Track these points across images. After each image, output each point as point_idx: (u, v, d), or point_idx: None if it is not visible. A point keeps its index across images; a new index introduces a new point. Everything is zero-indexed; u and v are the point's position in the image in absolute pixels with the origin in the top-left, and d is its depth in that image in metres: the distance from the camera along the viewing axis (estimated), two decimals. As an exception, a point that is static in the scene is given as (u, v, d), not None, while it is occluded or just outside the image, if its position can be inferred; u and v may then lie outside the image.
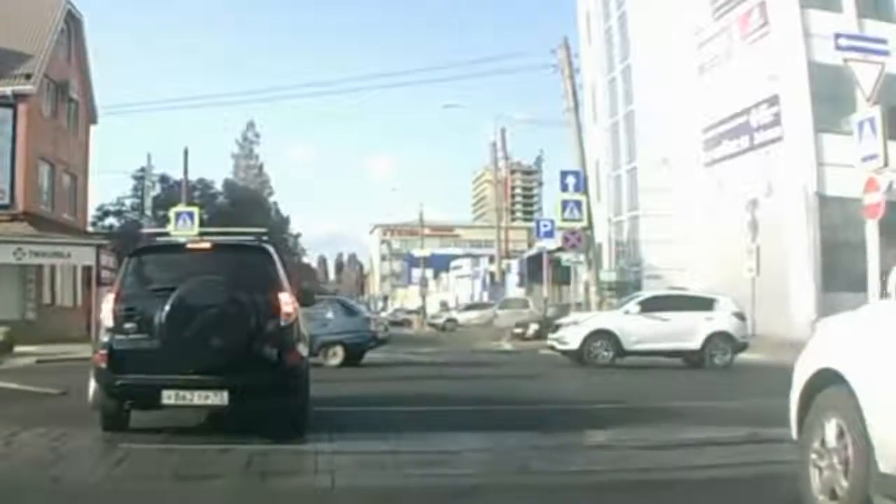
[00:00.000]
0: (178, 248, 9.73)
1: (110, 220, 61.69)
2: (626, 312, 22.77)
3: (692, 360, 22.05)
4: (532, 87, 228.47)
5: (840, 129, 33.12)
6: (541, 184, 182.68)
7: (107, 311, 8.56)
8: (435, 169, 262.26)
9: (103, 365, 8.46)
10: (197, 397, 8.32)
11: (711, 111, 38.12)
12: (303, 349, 9.00)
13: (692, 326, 22.20)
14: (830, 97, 33.09)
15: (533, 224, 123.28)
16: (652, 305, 22.75)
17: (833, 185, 32.25)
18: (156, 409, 8.76)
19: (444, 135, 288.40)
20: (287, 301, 8.68)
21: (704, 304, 22.88)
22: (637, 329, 22.21)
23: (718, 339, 22.21)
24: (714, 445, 8.90)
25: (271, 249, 9.32)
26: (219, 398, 8.30)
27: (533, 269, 57.87)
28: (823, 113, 32.93)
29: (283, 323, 8.57)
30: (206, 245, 9.46)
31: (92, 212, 51.55)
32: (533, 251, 65.48)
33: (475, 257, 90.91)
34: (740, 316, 23.00)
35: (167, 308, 8.15)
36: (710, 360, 21.87)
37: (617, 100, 45.52)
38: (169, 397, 8.28)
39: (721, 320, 22.44)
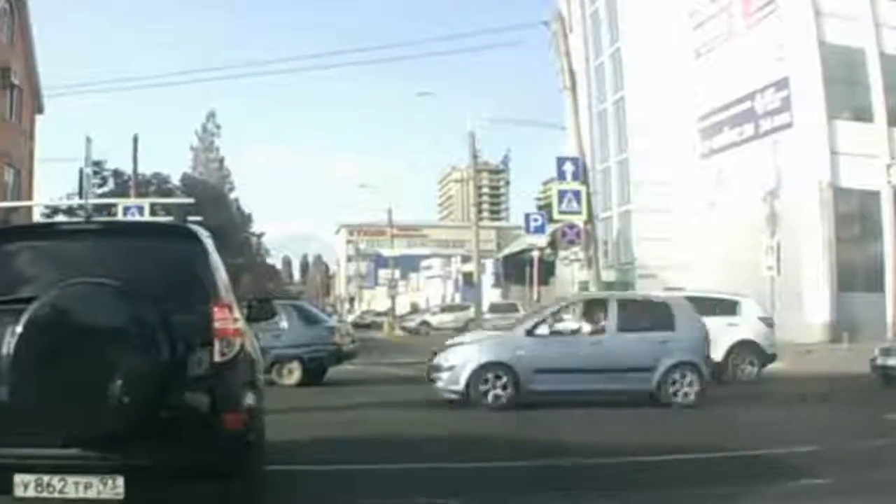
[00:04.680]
0: (48, 230, 6.38)
1: (60, 218, 58.19)
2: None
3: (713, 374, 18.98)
4: (496, 85, 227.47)
5: (854, 116, 30.95)
6: (507, 183, 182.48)
7: None
8: (400, 169, 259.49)
9: None
10: (72, 486, 5.11)
11: (710, 97, 35.70)
12: (252, 400, 5.70)
13: (713, 334, 19.00)
14: (843, 81, 30.83)
15: (502, 224, 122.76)
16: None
17: (848, 176, 30.06)
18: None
19: (410, 136, 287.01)
20: (226, 319, 5.50)
21: (727, 307, 19.78)
22: None
23: (744, 350, 19.23)
24: None
25: (202, 233, 6.00)
26: (108, 488, 5.12)
27: (509, 270, 55.22)
28: (836, 98, 30.53)
29: (219, 357, 5.41)
30: (93, 226, 6.09)
31: (39, 209, 48.62)
32: (508, 250, 62.86)
33: (446, 257, 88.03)
34: (768, 322, 19.96)
35: (19, 332, 5.04)
36: (733, 374, 18.83)
37: (605, 87, 42.83)
38: (25, 485, 5.12)
39: (747, 327, 19.43)
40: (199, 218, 7.31)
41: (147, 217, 27.75)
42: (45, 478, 5.10)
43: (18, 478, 5.11)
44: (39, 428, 5.05)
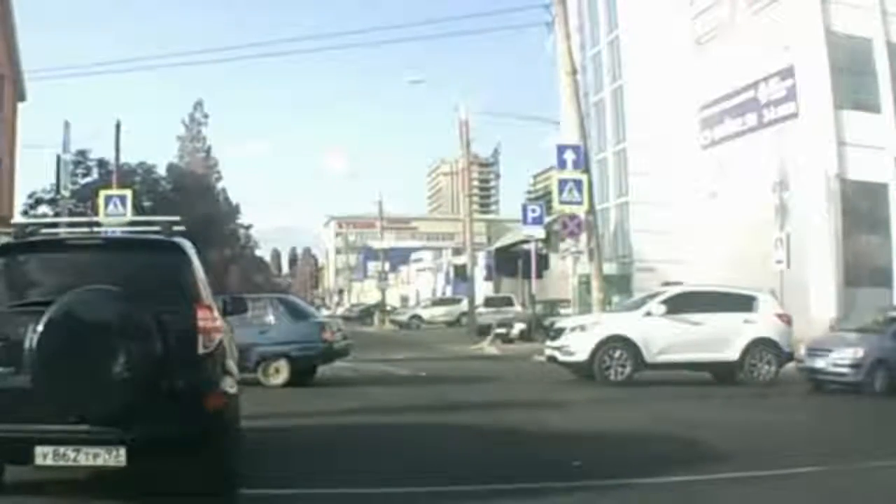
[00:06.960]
0: (57, 245, 7.33)
1: (43, 209, 56.97)
2: (648, 314, 18.52)
3: (725, 374, 18.16)
4: (487, 79, 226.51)
5: (861, 106, 30.14)
6: (498, 176, 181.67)
7: None
8: (389, 162, 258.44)
9: None
10: (83, 456, 6.25)
11: (711, 86, 34.82)
12: (229, 385, 6.86)
13: (729, 331, 18.26)
14: (849, 70, 30.02)
15: (493, 216, 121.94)
16: (679, 305, 18.54)
17: (855, 168, 29.25)
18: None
19: (399, 128, 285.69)
20: (207, 318, 6.66)
21: (743, 302, 18.86)
22: (662, 335, 18.04)
23: (761, 348, 18.27)
24: None
25: (187, 245, 7.19)
26: (113, 457, 6.26)
27: (501, 263, 54.34)
28: (842, 88, 29.69)
29: (201, 349, 6.55)
30: (96, 241, 7.45)
31: (22, 199, 48.56)
32: (500, 243, 61.98)
33: (437, 250, 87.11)
34: (786, 318, 19.00)
35: (39, 330, 6.19)
36: (749, 374, 17.98)
37: (602, 76, 41.96)
38: (44, 455, 6.23)
39: (764, 324, 18.49)
40: (179, 220, 7.72)
41: (129, 206, 26.88)
42: (62, 449, 6.15)
43: (39, 449, 6.14)
44: (56, 408, 6.09)
